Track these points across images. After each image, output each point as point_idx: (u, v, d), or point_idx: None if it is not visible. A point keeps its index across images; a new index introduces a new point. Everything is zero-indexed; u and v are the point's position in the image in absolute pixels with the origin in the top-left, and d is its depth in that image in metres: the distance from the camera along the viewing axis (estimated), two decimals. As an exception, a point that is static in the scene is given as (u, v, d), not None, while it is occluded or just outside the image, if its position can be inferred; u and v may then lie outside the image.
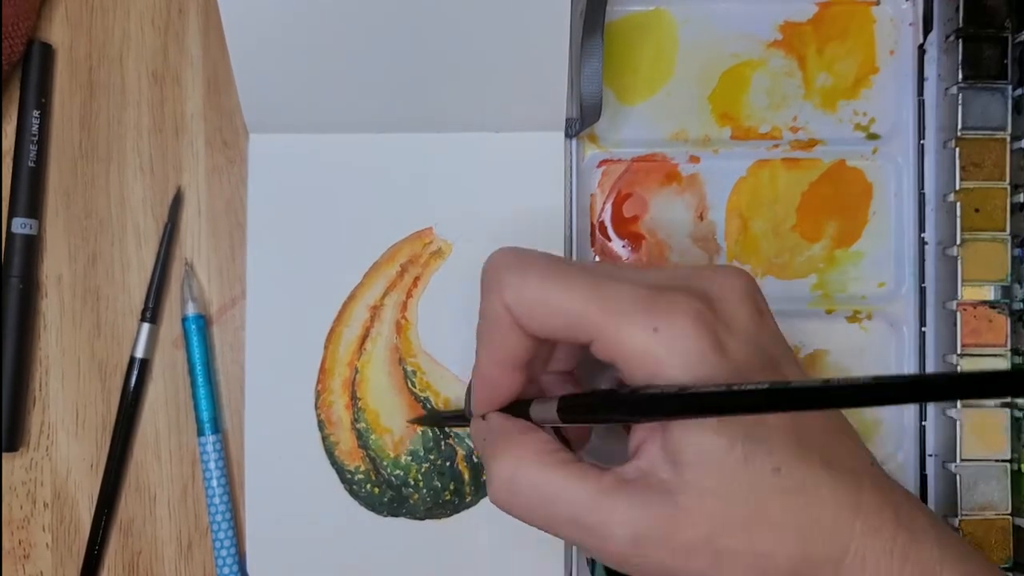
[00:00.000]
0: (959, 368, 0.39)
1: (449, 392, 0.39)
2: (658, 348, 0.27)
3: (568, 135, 0.40)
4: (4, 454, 0.40)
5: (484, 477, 0.39)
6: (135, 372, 0.40)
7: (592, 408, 0.29)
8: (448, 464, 0.40)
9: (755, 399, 0.23)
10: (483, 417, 0.32)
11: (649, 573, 0.28)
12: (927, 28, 0.41)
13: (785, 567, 0.27)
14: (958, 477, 0.39)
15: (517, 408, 0.31)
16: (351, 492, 0.39)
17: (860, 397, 0.22)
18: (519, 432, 0.30)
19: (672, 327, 0.27)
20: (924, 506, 0.29)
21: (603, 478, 0.28)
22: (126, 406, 0.40)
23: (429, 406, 0.40)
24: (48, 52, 0.41)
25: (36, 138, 0.40)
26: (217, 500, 0.39)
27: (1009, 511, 0.39)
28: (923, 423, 0.40)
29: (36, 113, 0.40)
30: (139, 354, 0.40)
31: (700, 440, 0.27)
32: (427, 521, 0.39)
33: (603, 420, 0.30)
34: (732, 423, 0.27)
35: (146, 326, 0.40)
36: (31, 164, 0.40)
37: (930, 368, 0.40)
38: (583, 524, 0.28)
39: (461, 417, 0.37)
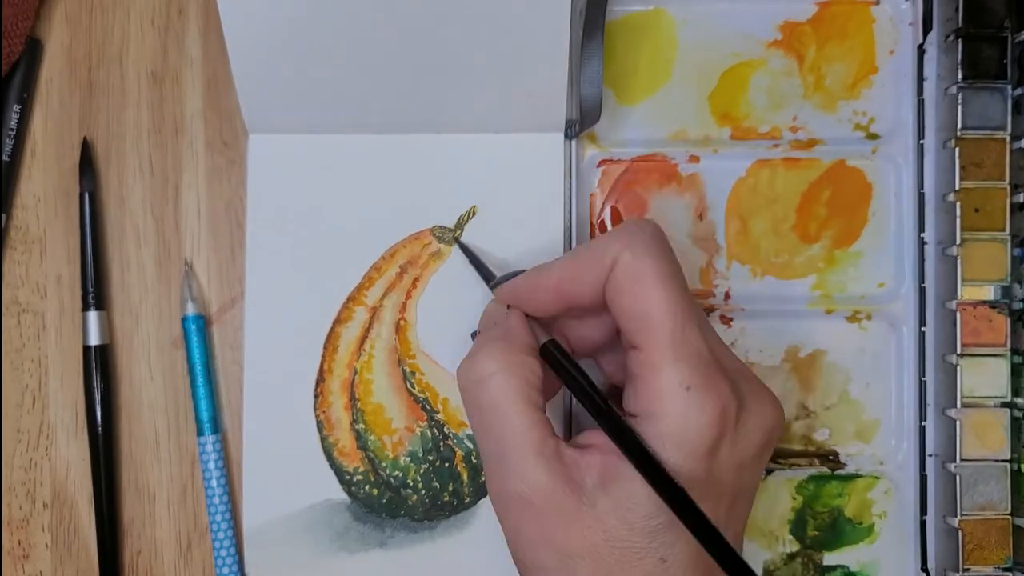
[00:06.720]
0: (959, 368, 0.39)
1: (448, 393, 0.39)
2: (672, 402, 0.29)
3: (568, 136, 0.40)
4: (5, 448, 0.40)
5: (482, 479, 0.39)
6: (94, 361, 0.39)
7: (567, 378, 0.31)
8: (447, 465, 0.40)
9: (694, 518, 0.27)
10: (507, 306, 0.33)
11: (516, 529, 0.30)
12: (927, 28, 0.40)
13: None
14: (958, 477, 0.39)
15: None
16: (350, 493, 0.39)
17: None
18: (520, 349, 0.31)
19: (698, 400, 0.29)
20: None
21: (547, 443, 0.30)
22: (97, 399, 0.40)
23: (428, 406, 0.40)
24: (35, 47, 0.40)
25: (13, 132, 0.40)
26: (217, 500, 0.39)
27: (1009, 511, 0.39)
28: (923, 423, 0.40)
29: (17, 107, 0.40)
30: (92, 341, 0.39)
31: (636, 493, 0.29)
32: (426, 522, 0.39)
33: (572, 391, 0.32)
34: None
35: (92, 314, 0.40)
36: (6, 158, 0.40)
37: (930, 368, 0.40)
38: (502, 460, 0.30)
39: (488, 277, 0.37)
